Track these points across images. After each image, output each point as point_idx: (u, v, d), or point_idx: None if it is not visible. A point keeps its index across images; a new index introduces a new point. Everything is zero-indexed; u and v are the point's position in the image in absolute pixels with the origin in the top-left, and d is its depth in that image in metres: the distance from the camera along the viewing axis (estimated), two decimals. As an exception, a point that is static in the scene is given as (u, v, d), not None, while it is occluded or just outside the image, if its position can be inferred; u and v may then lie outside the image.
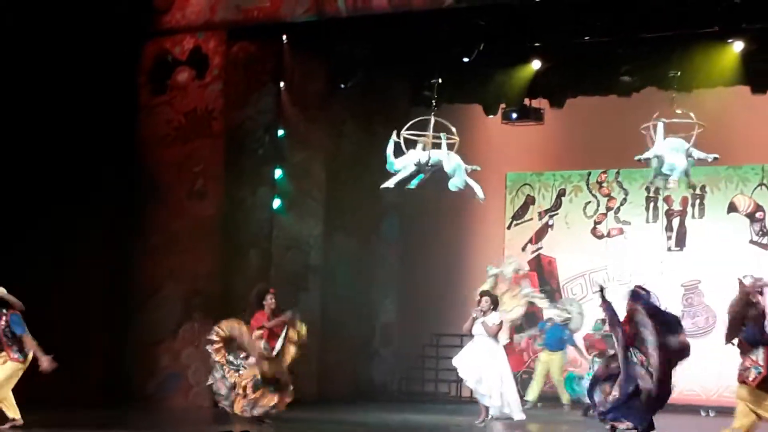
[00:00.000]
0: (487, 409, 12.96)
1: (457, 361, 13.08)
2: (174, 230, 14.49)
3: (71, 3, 13.74)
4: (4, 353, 10.43)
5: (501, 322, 13.05)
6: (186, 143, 14.50)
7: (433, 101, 14.06)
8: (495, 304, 12.94)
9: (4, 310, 10.43)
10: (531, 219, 17.47)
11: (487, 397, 12.82)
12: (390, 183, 13.55)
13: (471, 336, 13.03)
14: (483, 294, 13.13)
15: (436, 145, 13.52)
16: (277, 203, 14.97)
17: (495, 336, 12.85)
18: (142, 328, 14.40)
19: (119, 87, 14.48)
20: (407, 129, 13.54)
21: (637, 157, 13.35)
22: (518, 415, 13.03)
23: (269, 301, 11.93)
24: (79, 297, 13.82)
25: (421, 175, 13.55)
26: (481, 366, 12.77)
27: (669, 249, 16.52)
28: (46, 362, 10.35)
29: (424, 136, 13.49)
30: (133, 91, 14.72)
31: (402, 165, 13.45)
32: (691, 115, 13.28)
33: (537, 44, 14.53)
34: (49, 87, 13.61)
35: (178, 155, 14.55)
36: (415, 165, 13.38)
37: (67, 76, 13.80)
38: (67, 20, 13.72)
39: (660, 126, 13.11)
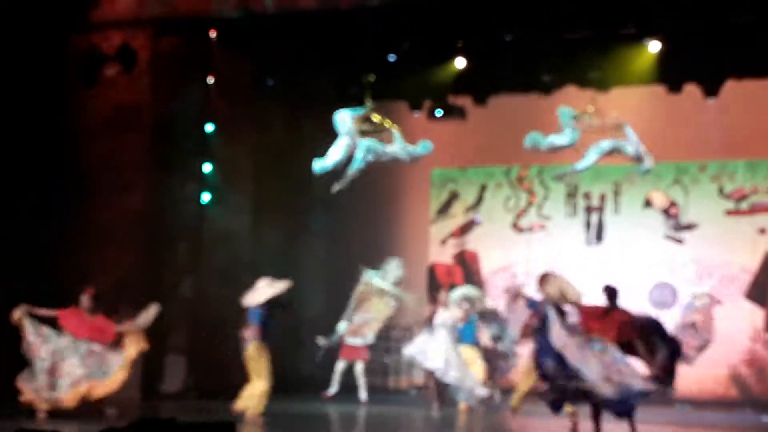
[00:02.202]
0: (440, 394, 13.45)
1: (414, 350, 13.63)
2: (102, 224, 14.53)
3: (-3, -3, 13.75)
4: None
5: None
6: (114, 137, 14.55)
7: (369, 96, 14.20)
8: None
9: None
10: (455, 214, 17.82)
11: (456, 382, 13.26)
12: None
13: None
14: (441, 287, 14.66)
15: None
16: (205, 197, 15.09)
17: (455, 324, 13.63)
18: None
19: (47, 80, 14.47)
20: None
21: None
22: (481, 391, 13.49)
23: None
24: (3, 291, 13.78)
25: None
26: (446, 355, 13.27)
27: (588, 244, 16.98)
28: None
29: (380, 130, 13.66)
30: (61, 85, 14.73)
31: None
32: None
33: (461, 43, 14.85)
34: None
35: (106, 149, 14.59)
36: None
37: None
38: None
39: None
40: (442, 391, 13.83)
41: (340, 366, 15.43)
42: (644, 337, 10.38)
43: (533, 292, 11.09)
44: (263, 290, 12.35)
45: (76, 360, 11.91)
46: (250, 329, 12.26)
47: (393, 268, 15.32)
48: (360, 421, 13.08)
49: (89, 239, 14.53)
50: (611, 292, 10.77)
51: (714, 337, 13.95)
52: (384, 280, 15.24)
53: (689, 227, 16.37)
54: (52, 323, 12.10)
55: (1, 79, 13.81)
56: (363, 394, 15.12)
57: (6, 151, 13.93)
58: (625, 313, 10.64)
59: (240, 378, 15.49)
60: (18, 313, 11.91)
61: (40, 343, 11.96)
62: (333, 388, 15.36)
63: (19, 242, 14.08)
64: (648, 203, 16.62)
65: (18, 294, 13.82)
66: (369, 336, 15.30)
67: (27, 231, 14.20)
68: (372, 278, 15.14)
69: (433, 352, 13.52)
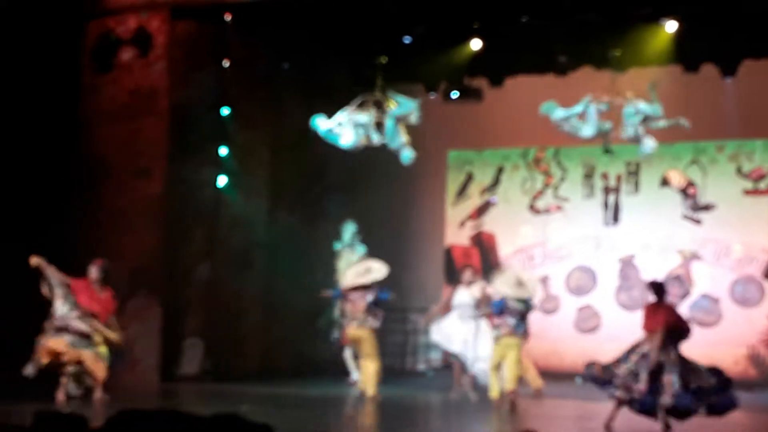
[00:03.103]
0: (461, 380, 13.43)
1: (439, 336, 13.65)
2: (119, 208, 14.59)
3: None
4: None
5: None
6: (131, 122, 14.58)
7: (379, 80, 14.17)
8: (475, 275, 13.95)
9: None
10: (471, 196, 17.81)
11: (483, 368, 13.24)
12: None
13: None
14: (466, 266, 14.29)
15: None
16: (221, 181, 15.12)
17: (479, 305, 13.50)
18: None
19: (63, 66, 14.51)
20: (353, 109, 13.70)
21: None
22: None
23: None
24: (23, 275, 13.82)
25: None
26: (473, 338, 13.27)
27: (606, 224, 16.94)
28: None
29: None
30: (77, 70, 14.76)
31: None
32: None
33: (476, 24, 14.79)
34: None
35: (123, 134, 14.63)
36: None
37: (8, 54, 13.81)
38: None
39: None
40: (461, 374, 13.82)
41: (347, 352, 15.20)
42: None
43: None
44: (359, 277, 12.89)
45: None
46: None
47: (348, 230, 15.32)
48: (373, 404, 13.10)
49: (107, 224, 14.59)
50: (656, 288, 10.70)
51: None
52: (344, 245, 15.23)
53: (707, 207, 16.31)
54: None
55: (19, 66, 13.85)
56: (355, 375, 14.90)
57: (24, 139, 13.98)
58: (670, 308, 10.65)
59: (257, 361, 15.62)
60: (36, 260, 12.03)
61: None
62: (354, 374, 15.25)
63: (36, 228, 14.13)
64: (665, 182, 16.56)
65: (34, 279, 13.96)
66: None
67: (45, 217, 14.26)
68: (336, 247, 15.12)
69: (454, 333, 13.55)
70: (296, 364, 16.48)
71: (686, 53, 14.56)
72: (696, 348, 15.55)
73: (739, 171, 16.16)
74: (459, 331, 13.54)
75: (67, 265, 14.27)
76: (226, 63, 15.03)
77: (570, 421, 11.94)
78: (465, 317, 13.55)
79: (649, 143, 13.27)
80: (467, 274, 13.91)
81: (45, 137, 14.22)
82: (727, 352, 15.83)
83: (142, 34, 14.44)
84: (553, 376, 15.01)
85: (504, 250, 17.51)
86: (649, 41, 14.29)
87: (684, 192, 16.44)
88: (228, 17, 14.80)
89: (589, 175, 17.06)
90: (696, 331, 15.58)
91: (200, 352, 14.84)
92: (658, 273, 16.19)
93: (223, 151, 15.06)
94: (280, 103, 16.23)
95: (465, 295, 13.65)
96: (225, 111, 15.05)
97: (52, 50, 14.25)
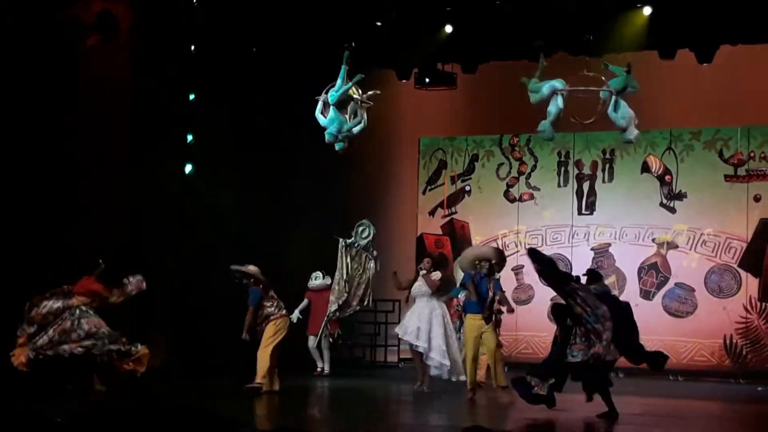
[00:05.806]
0: (426, 373, 13.15)
1: (400, 329, 13.37)
2: (84, 198, 14.25)
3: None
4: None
5: (441, 278, 13.35)
6: (96, 109, 14.22)
7: (346, 65, 13.85)
8: (437, 264, 13.56)
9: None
10: (443, 184, 17.59)
11: (435, 359, 12.98)
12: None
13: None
14: (426, 255, 14.08)
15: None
16: (188, 169, 14.84)
17: (436, 292, 13.23)
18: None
19: (25, 53, 14.12)
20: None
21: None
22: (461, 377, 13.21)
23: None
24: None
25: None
26: (426, 327, 13.00)
27: (580, 213, 16.76)
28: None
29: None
30: (40, 57, 14.36)
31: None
32: (603, 78, 13.36)
33: (449, 8, 14.54)
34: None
35: (87, 121, 14.26)
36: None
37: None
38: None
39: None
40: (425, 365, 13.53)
41: (311, 342, 15.35)
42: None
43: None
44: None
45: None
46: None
47: (363, 229, 15.07)
48: (339, 395, 12.89)
49: (71, 215, 14.22)
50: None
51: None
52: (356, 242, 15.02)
53: (682, 195, 16.16)
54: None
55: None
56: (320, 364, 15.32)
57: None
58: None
59: (224, 354, 15.31)
60: None
61: None
62: (320, 364, 15.26)
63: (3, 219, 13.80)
64: (645, 167, 16.39)
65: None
66: (355, 305, 15.06)
67: (8, 207, 13.91)
68: (345, 243, 14.92)
69: (410, 324, 13.30)
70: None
71: (662, 39, 14.40)
72: (671, 338, 15.56)
73: (715, 158, 15.99)
74: (414, 322, 13.29)
75: (28, 258, 14.01)
76: (192, 47, 14.72)
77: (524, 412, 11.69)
78: (420, 307, 13.30)
79: (634, 131, 12.92)
80: (425, 263, 13.57)
81: (7, 127, 13.82)
82: (703, 342, 15.71)
83: (107, 19, 14.06)
84: (529, 366, 14.79)
85: (477, 238, 17.30)
86: (625, 27, 14.10)
87: (661, 179, 16.28)
88: (195, 1, 14.50)
89: (563, 163, 16.87)
90: (670, 322, 15.58)
91: (166, 347, 14.54)
92: (633, 261, 16.18)
93: (189, 138, 14.79)
94: (249, 88, 15.91)
95: (419, 285, 13.38)
96: (191, 96, 14.77)
97: (14, 37, 13.84)
